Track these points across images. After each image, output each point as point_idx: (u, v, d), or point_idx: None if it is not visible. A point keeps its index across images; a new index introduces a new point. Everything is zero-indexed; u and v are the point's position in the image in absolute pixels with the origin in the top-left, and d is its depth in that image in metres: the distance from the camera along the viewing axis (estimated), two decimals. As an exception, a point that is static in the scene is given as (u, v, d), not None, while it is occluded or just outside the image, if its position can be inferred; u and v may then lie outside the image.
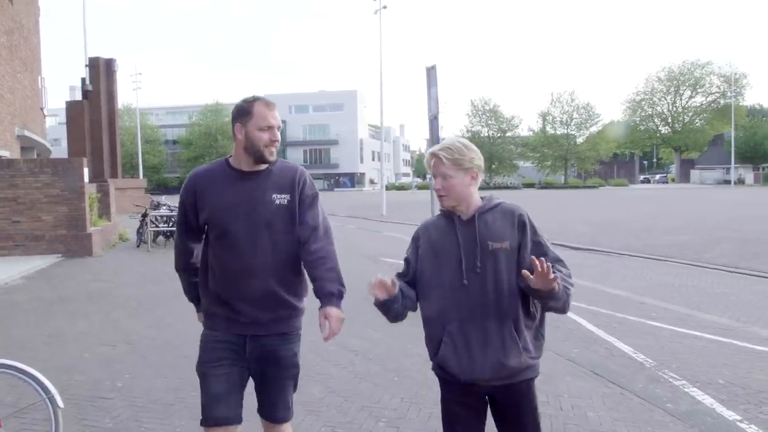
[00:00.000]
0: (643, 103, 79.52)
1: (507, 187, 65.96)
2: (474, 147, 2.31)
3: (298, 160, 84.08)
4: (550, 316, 2.32)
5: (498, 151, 73.12)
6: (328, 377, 4.97)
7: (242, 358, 2.54)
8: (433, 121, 8.23)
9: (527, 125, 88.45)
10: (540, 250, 2.26)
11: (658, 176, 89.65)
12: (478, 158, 2.30)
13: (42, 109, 23.11)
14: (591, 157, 71.02)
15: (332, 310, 2.49)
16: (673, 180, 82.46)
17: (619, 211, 26.37)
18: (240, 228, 2.48)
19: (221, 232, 2.50)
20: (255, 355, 2.53)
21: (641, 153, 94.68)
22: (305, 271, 2.62)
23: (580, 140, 73.82)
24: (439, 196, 2.30)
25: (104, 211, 17.15)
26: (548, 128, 74.27)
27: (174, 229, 7.67)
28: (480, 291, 2.23)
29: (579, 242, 14.60)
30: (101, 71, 28.26)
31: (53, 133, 52.74)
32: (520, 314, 2.24)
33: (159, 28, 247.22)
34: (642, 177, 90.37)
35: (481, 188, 2.31)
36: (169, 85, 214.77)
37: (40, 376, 3.17)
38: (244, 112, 2.49)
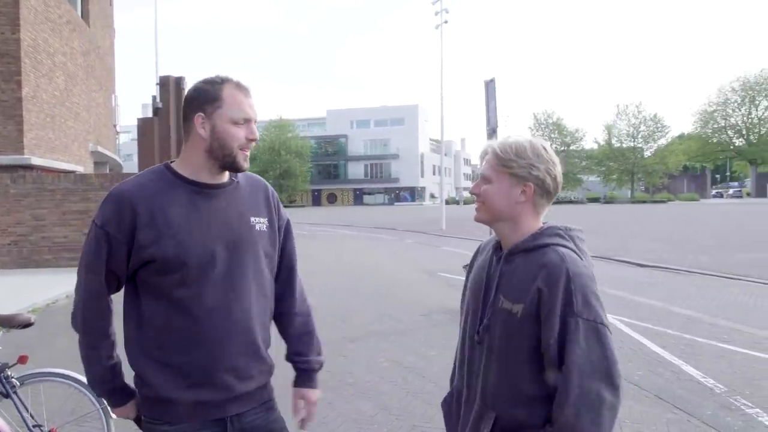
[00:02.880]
0: (716, 114, 76.44)
1: (571, 202, 64.45)
2: (546, 155, 1.64)
3: (359, 174, 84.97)
4: (615, 337, 1.91)
5: (561, 165, 71.60)
6: (380, 394, 4.91)
7: None
8: (492, 134, 8.12)
9: (592, 138, 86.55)
10: (563, 341, 1.49)
11: (731, 190, 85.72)
12: (545, 170, 1.62)
13: (115, 125, 24.24)
14: (659, 171, 68.71)
15: (315, 393, 2.00)
16: (748, 194, 78.71)
17: (688, 227, 25.31)
18: (219, 267, 1.73)
19: (187, 276, 1.70)
20: None
21: (713, 166, 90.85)
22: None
23: (647, 153, 71.57)
24: (476, 205, 1.72)
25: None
26: (614, 141, 72.35)
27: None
28: (478, 361, 1.68)
29: (645, 259, 14.05)
30: (171, 89, 29.39)
31: (126, 148, 55.26)
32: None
33: (227, 46, 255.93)
34: (714, 191, 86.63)
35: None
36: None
37: (95, 387, 3.25)
38: (209, 96, 1.73)
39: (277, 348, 1.93)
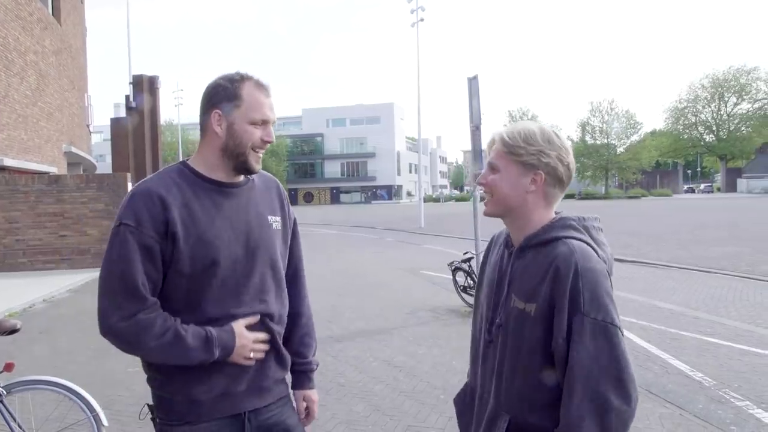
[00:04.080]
0: (686, 110, 77.62)
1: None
2: (558, 141, 1.53)
3: (336, 173, 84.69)
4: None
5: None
6: (372, 394, 4.86)
7: None
8: (476, 131, 8.09)
9: (566, 135, 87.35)
10: (571, 342, 1.39)
11: (702, 185, 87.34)
12: (556, 157, 1.51)
13: (88, 125, 23.80)
14: (632, 167, 69.53)
15: (316, 393, 2.01)
16: (718, 189, 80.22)
17: (664, 222, 25.67)
18: (241, 266, 1.71)
19: (209, 275, 1.66)
20: None
21: (684, 162, 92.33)
22: None
23: (620, 150, 72.42)
24: (485, 198, 1.62)
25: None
26: (587, 138, 73.04)
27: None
28: (492, 360, 1.60)
29: (624, 254, 14.17)
30: (145, 88, 28.95)
31: (98, 149, 54.37)
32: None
33: (201, 45, 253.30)
34: (686, 187, 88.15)
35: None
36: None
37: (86, 395, 3.16)
38: (228, 94, 1.68)
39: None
